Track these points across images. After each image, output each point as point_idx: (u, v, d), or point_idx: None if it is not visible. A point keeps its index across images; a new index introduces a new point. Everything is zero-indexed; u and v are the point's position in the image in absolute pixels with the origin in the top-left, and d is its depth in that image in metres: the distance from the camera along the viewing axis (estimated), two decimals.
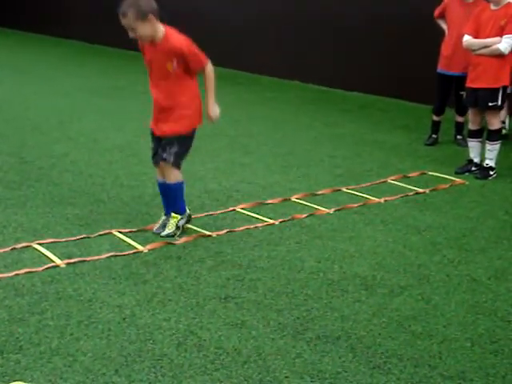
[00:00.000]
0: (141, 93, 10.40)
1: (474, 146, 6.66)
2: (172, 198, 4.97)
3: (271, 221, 5.28)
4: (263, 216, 5.37)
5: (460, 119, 7.73)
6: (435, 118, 7.75)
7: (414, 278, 4.40)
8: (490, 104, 6.38)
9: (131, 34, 4.63)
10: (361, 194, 5.95)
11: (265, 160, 6.98)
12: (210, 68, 4.77)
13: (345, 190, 6.08)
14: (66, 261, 4.46)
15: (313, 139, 7.91)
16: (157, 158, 4.90)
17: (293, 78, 11.69)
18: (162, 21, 4.66)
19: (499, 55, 6.25)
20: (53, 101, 9.62)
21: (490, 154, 6.54)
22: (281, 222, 5.27)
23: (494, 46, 6.22)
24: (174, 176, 4.87)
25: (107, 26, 15.33)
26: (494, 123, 6.50)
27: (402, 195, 5.97)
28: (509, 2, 6.30)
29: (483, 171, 6.55)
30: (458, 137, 7.77)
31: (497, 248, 4.92)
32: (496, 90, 6.34)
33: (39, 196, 5.69)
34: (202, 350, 3.51)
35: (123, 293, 4.08)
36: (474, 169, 6.64)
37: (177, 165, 4.85)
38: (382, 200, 5.83)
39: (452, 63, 7.39)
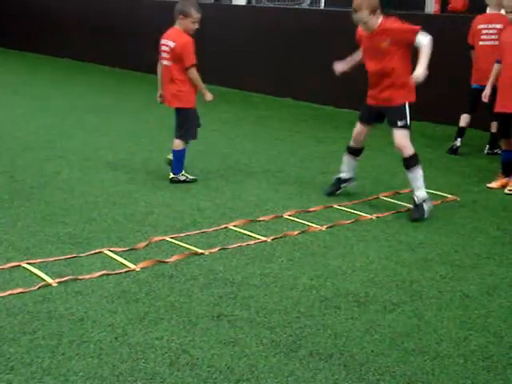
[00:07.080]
0: (130, 111, 10.44)
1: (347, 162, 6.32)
2: None
3: (263, 238, 5.28)
4: (255, 233, 5.37)
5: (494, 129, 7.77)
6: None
7: (407, 294, 4.40)
8: (400, 123, 5.73)
9: None
10: (353, 211, 5.95)
11: (257, 177, 6.98)
12: None
13: (337, 206, 6.09)
14: (58, 280, 4.44)
15: (305, 156, 7.92)
16: None
17: (285, 95, 11.73)
18: None
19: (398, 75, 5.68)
20: (42, 119, 9.62)
21: (417, 182, 5.84)
22: (273, 239, 5.27)
23: (424, 47, 5.48)
24: None
25: (97, 43, 15.41)
26: (406, 148, 5.78)
27: (394, 211, 5.98)
28: (381, 22, 5.66)
29: (417, 209, 5.78)
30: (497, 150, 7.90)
31: (488, 264, 4.93)
32: (403, 107, 5.77)
33: (30, 215, 5.67)
34: (194, 368, 3.50)
35: (115, 312, 4.06)
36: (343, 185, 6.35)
37: None
38: (373, 216, 5.83)
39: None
